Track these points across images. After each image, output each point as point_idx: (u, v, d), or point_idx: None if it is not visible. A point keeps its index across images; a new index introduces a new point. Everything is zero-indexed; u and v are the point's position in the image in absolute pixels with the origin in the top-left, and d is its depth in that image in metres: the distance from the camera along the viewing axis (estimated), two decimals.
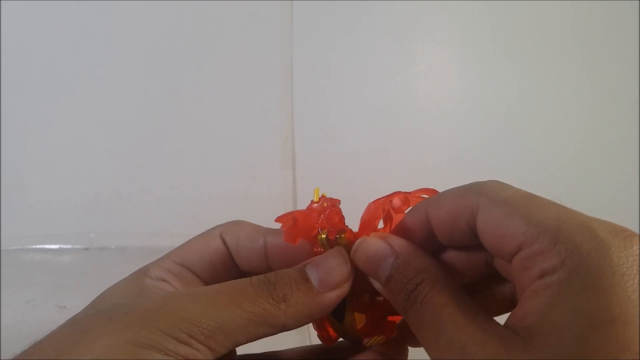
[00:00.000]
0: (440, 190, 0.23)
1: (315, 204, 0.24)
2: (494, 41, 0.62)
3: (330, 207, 0.24)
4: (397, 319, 0.25)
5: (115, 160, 0.61)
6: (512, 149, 0.63)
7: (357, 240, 0.23)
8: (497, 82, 0.63)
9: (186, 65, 0.60)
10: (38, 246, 0.61)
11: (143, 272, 0.24)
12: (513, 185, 0.21)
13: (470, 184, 0.22)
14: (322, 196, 0.25)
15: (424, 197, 0.23)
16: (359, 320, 0.24)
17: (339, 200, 0.24)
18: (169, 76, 0.60)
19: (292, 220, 0.24)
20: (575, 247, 0.17)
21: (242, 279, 0.22)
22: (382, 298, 0.23)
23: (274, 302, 0.20)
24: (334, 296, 0.22)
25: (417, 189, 0.24)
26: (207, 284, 0.25)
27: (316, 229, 0.24)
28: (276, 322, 0.21)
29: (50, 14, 0.58)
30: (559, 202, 0.20)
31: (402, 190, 0.24)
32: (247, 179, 0.61)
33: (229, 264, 0.25)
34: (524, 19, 0.62)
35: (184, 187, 0.61)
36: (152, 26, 0.60)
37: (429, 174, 0.62)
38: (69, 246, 0.62)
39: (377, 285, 0.22)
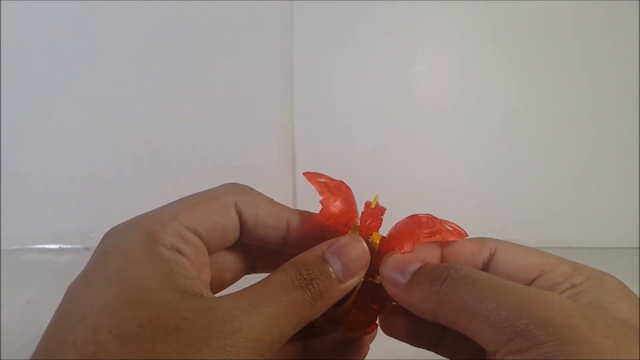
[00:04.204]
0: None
1: (370, 209, 0.25)
2: (494, 41, 0.62)
3: (377, 214, 0.25)
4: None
5: (115, 160, 0.61)
6: (512, 149, 0.63)
7: (390, 252, 0.24)
8: (497, 82, 0.63)
9: (186, 65, 0.60)
10: (38, 246, 0.61)
11: (155, 238, 0.22)
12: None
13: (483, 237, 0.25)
14: (377, 203, 0.26)
15: (449, 229, 0.25)
16: (352, 313, 0.25)
17: (385, 210, 0.26)
18: (168, 76, 0.60)
19: (332, 199, 0.25)
20: (593, 271, 0.22)
21: (282, 276, 0.21)
22: (376, 307, 0.25)
23: (314, 302, 0.20)
24: (350, 284, 0.22)
25: (445, 220, 0.25)
26: (210, 252, 0.24)
27: (352, 219, 0.25)
28: (311, 318, 0.21)
29: (50, 14, 0.58)
30: None
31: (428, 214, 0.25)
32: (247, 179, 0.60)
33: (236, 235, 0.25)
34: (524, 19, 0.62)
35: (184, 187, 0.60)
36: (152, 26, 0.60)
37: (429, 174, 0.62)
38: (69, 246, 0.62)
39: (393, 276, 0.23)
